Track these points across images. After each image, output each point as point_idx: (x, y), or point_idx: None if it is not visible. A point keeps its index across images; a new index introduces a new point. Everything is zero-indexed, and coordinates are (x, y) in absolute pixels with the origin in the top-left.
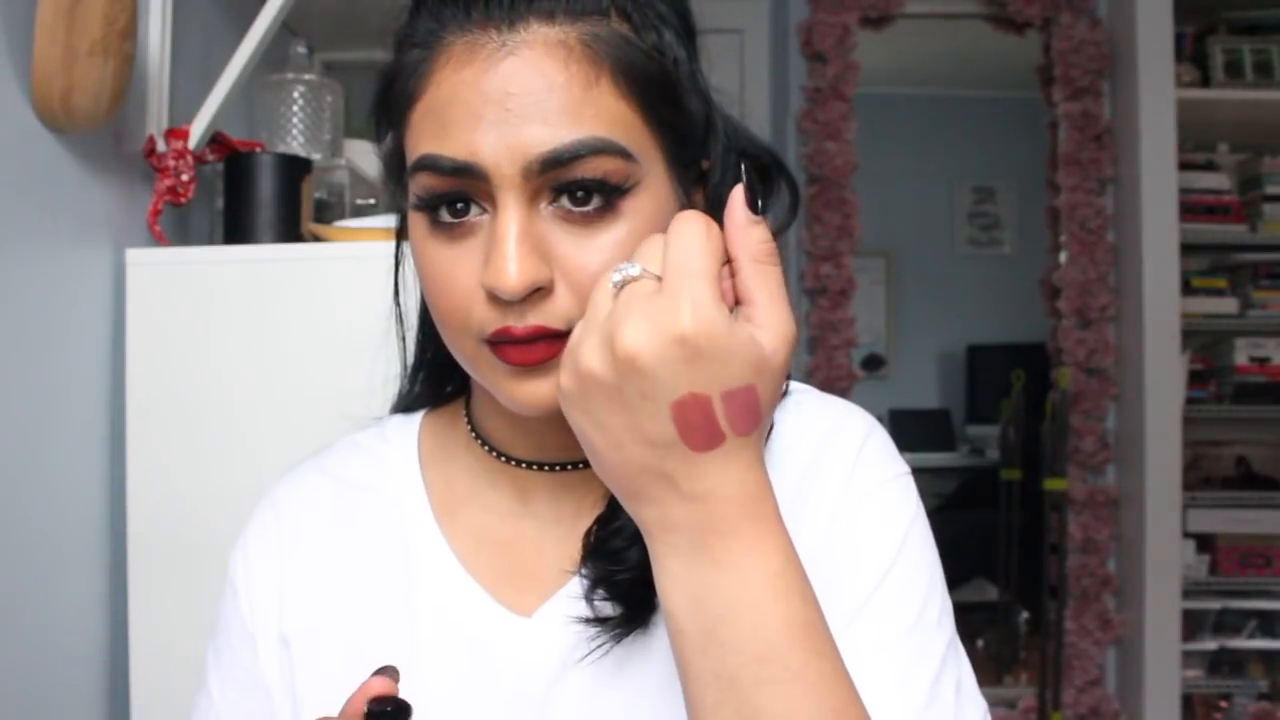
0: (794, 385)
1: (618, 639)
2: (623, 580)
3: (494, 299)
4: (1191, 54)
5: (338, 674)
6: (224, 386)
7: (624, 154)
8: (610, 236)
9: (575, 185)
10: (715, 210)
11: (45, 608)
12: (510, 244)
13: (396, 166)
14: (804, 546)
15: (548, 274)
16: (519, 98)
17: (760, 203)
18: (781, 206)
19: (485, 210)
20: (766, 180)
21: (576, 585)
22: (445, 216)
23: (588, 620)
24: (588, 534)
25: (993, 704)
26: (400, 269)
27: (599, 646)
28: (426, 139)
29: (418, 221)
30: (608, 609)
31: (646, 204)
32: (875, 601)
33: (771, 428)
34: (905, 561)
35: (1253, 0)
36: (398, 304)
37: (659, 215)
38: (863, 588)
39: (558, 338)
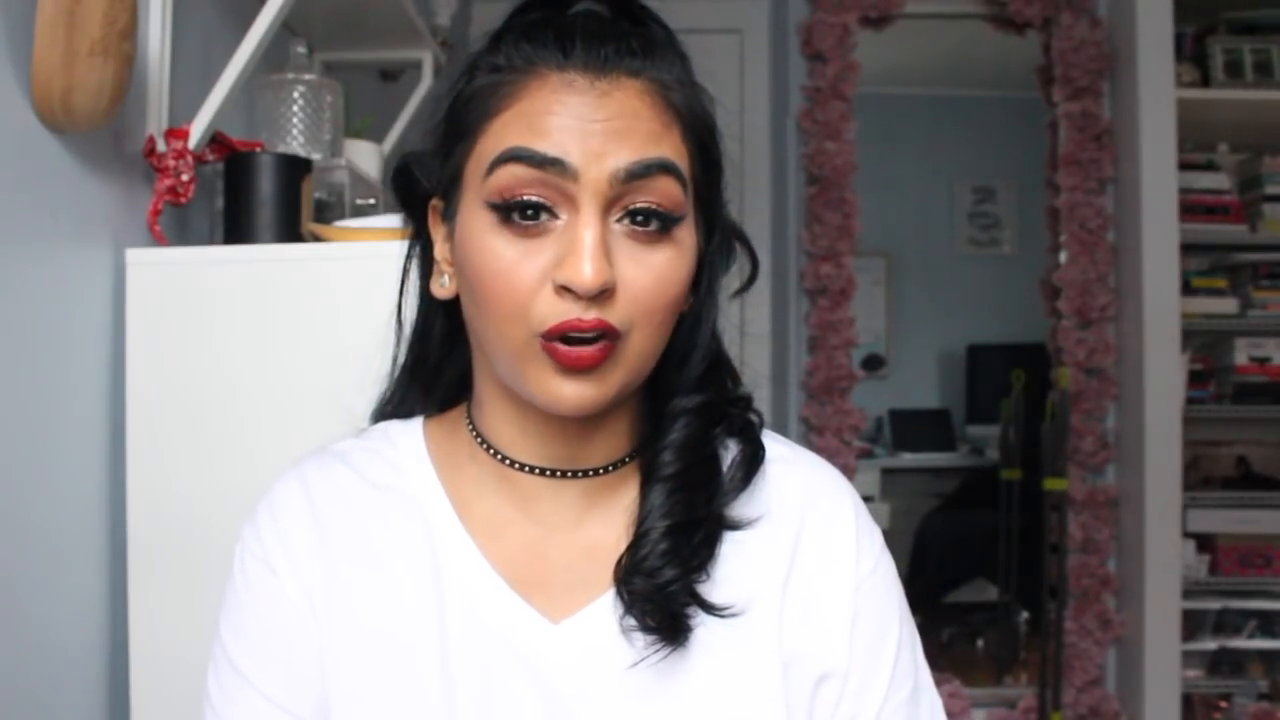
0: (770, 450)
1: (662, 654)
2: (662, 598)
3: (562, 295)
4: (1191, 54)
5: (362, 659)
6: (224, 386)
7: (684, 183)
8: (661, 256)
9: (640, 210)
10: (706, 269)
11: (45, 607)
12: (590, 245)
13: (451, 178)
14: (824, 600)
15: (614, 278)
16: (610, 122)
17: None
18: (743, 274)
19: (557, 217)
20: (730, 250)
21: (606, 598)
22: (516, 219)
23: (636, 630)
24: (628, 550)
25: (993, 704)
26: (406, 279)
27: (645, 658)
28: (515, 136)
29: (482, 217)
30: (639, 621)
31: (687, 237)
32: (895, 675)
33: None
34: (906, 625)
35: (1252, 0)
36: (400, 312)
37: (691, 250)
38: (887, 658)
39: (614, 339)
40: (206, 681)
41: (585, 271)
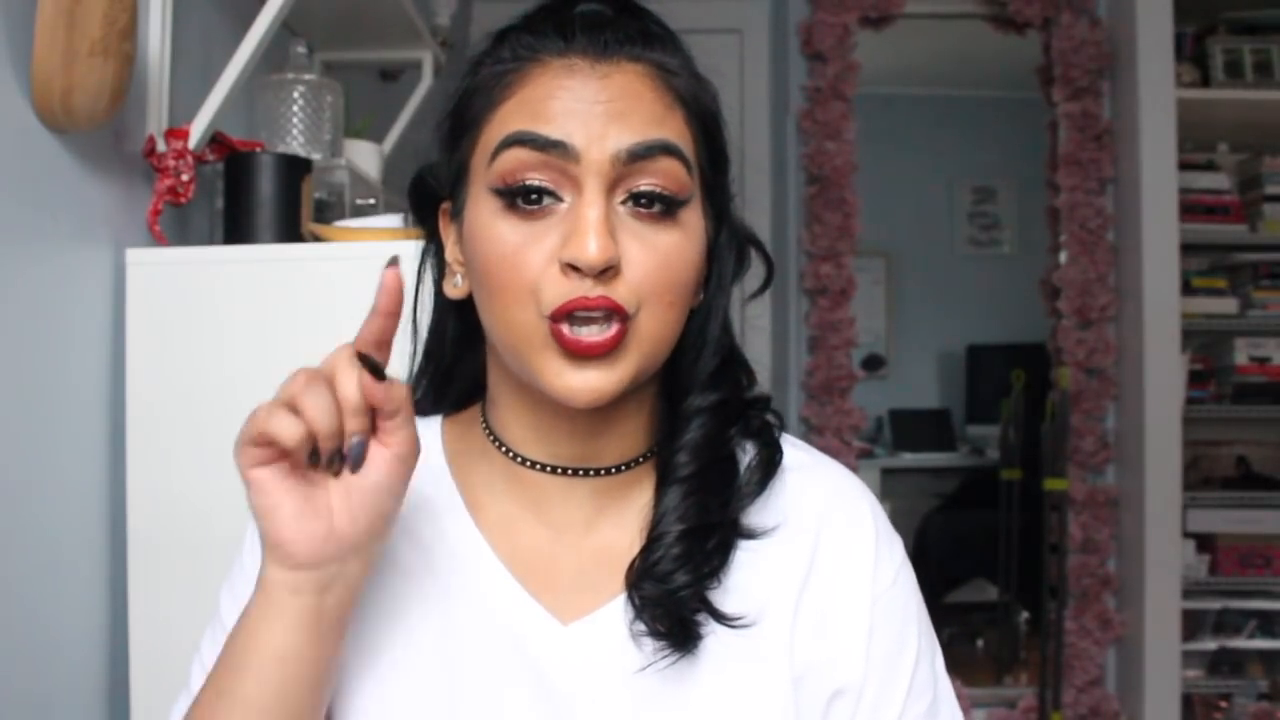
0: (788, 456)
1: (670, 660)
2: (673, 603)
3: (568, 273)
4: (1191, 54)
5: (365, 650)
6: (224, 386)
7: (688, 164)
8: (668, 238)
9: (643, 193)
10: (716, 262)
11: (45, 608)
12: (594, 221)
13: (458, 173)
14: (840, 613)
15: (618, 255)
16: (612, 104)
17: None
18: (756, 278)
19: (561, 200)
20: (744, 256)
21: (617, 602)
22: (521, 204)
23: (645, 635)
24: (640, 554)
25: (993, 704)
26: (420, 284)
27: (653, 664)
28: (519, 121)
29: (488, 204)
30: (649, 626)
31: (694, 221)
32: (912, 688)
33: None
34: (925, 637)
35: (1253, 0)
36: (415, 316)
37: (700, 237)
38: (904, 671)
39: (623, 320)
40: (201, 640)
41: (590, 247)
